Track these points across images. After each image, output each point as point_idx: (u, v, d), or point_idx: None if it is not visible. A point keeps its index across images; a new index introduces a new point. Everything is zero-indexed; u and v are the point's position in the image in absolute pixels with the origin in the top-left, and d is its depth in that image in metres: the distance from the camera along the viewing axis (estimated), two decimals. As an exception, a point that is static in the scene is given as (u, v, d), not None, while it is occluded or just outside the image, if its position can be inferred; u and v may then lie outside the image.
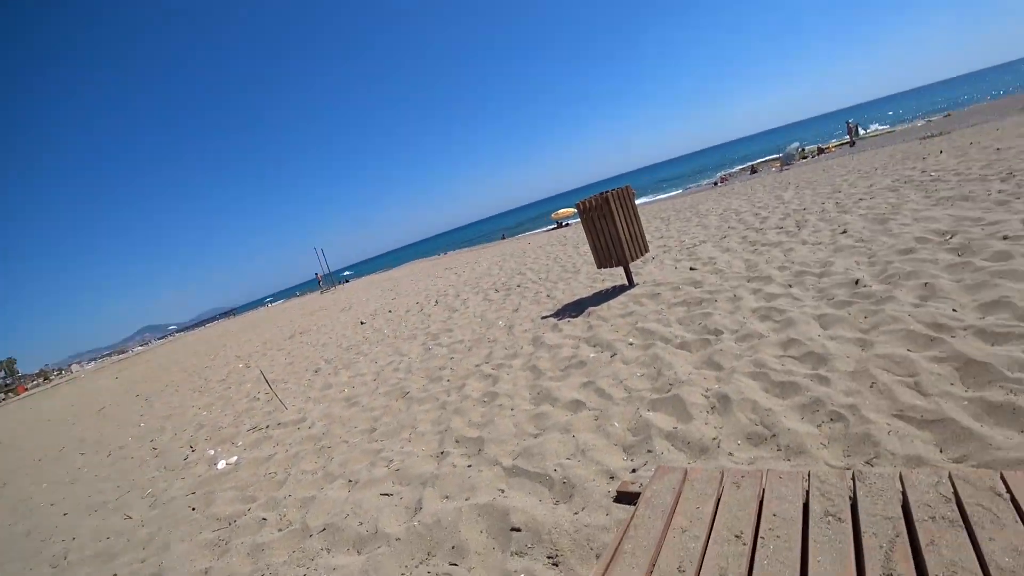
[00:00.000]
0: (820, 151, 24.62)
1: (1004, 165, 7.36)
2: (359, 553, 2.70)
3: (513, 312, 7.65)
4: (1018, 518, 1.46)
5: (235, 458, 4.94)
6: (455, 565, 2.35)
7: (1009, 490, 1.56)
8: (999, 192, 5.92)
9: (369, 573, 2.44)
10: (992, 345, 2.72)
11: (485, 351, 5.94)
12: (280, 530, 3.19)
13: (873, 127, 32.68)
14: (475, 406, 4.31)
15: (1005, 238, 4.28)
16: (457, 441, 3.71)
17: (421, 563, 2.44)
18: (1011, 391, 2.28)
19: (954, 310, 3.27)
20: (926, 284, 3.80)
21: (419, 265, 33.56)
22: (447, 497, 2.94)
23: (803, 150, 25.92)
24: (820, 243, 6.09)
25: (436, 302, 11.26)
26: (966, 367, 2.58)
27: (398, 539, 2.63)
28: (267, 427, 5.64)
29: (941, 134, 15.75)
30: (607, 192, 6.39)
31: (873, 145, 20.35)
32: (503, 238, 37.91)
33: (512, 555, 2.29)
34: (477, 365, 5.47)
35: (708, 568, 1.56)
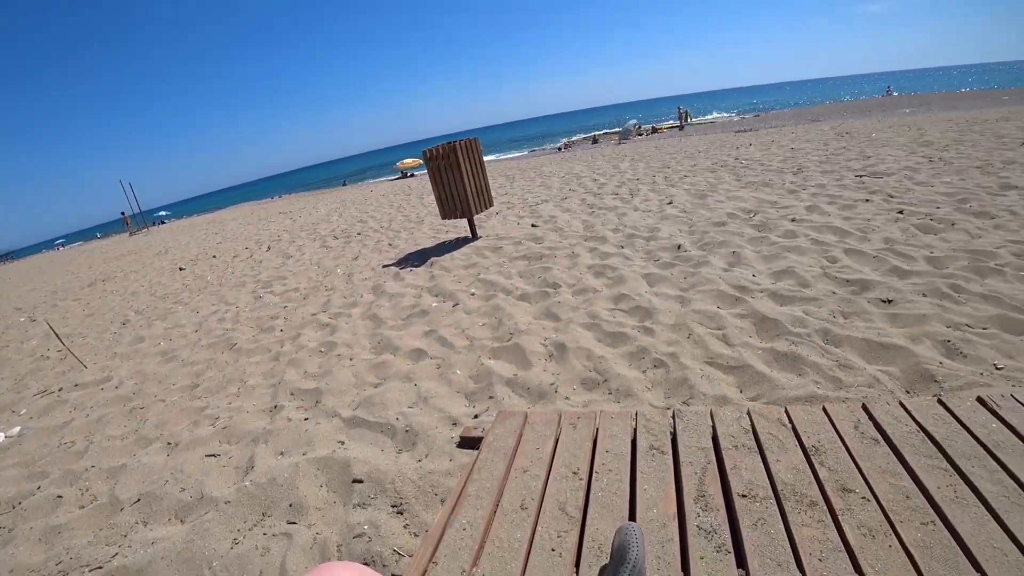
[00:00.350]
0: (654, 130, 26.90)
1: (796, 161, 8.69)
2: (182, 522, 2.35)
3: (353, 260, 7.26)
4: (797, 443, 1.70)
5: (17, 429, 3.94)
6: (293, 523, 2.16)
7: (791, 421, 1.81)
8: (791, 183, 6.97)
9: (195, 542, 2.12)
10: (781, 305, 3.18)
11: (322, 299, 5.56)
12: (82, 507, 2.65)
13: (698, 118, 36.54)
14: (311, 356, 4.02)
15: (793, 220, 5.05)
16: (292, 394, 3.41)
17: (255, 525, 2.20)
18: (793, 342, 2.68)
19: (754, 275, 3.78)
20: (734, 252, 4.33)
21: (250, 208, 29.94)
22: (282, 453, 2.68)
23: (639, 128, 28.04)
24: (650, 211, 6.66)
25: (268, 248, 10.30)
26: (761, 323, 2.98)
27: (227, 502, 2.34)
28: (60, 390, 4.63)
29: (751, 130, 18.16)
30: (455, 142, 6.25)
31: (698, 131, 22.81)
32: (344, 184, 35.59)
33: (355, 507, 2.17)
34: (313, 314, 5.11)
35: (548, 503, 1.59)
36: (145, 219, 35.06)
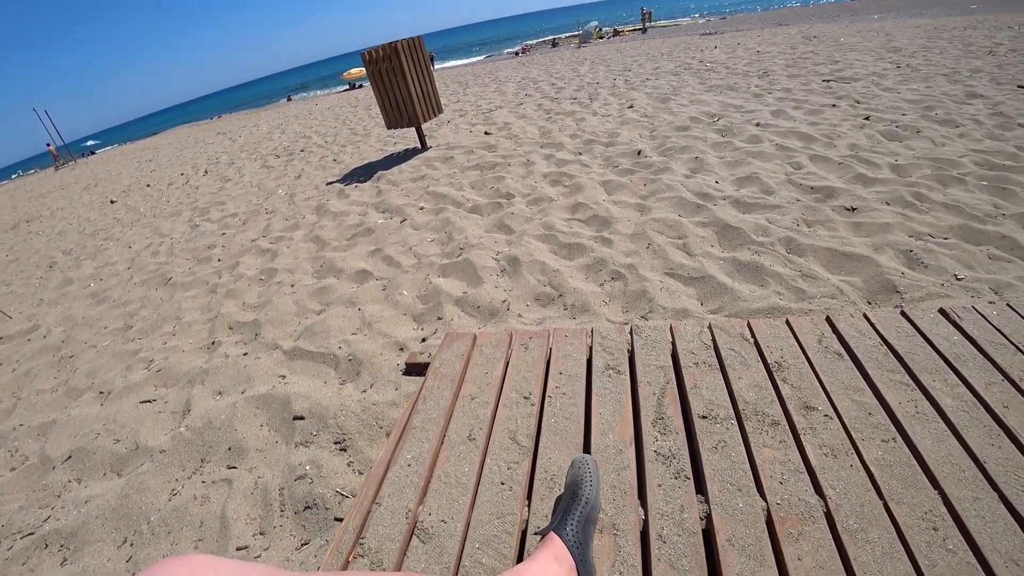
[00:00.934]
0: (616, 33, 25.60)
1: (762, 65, 8.35)
2: (118, 475, 2.19)
3: (295, 179, 6.82)
4: (759, 358, 1.62)
5: None
6: (234, 468, 2.02)
7: (753, 335, 1.72)
8: (756, 86, 6.71)
9: (131, 496, 1.97)
10: (744, 213, 3.07)
11: (262, 224, 5.21)
12: (12, 469, 2.43)
13: (662, 20, 34.86)
14: (251, 286, 3.75)
15: (758, 125, 4.86)
16: (230, 328, 3.18)
17: (194, 473, 2.05)
18: (756, 252, 2.58)
19: (716, 182, 3.63)
20: (696, 158, 4.15)
21: (187, 131, 27.61)
22: (220, 393, 2.50)
23: (600, 30, 26.68)
24: (609, 115, 6.35)
25: (206, 172, 9.58)
26: (723, 231, 2.87)
27: (163, 451, 2.17)
28: None
29: (717, 33, 17.41)
30: (397, 42, 5.65)
31: (661, 34, 21.79)
32: (288, 100, 32.99)
33: (297, 446, 2.04)
34: (253, 240, 4.77)
35: (498, 432, 1.48)
36: (71, 151, 31.85)
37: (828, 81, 6.39)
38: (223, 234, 5.28)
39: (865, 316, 1.73)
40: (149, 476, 2.07)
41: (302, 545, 1.64)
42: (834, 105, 5.14)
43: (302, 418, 2.14)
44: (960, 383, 1.41)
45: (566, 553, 0.96)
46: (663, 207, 3.33)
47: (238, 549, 1.67)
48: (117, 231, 7.04)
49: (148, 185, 10.32)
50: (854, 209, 2.81)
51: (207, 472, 2.05)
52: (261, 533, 1.71)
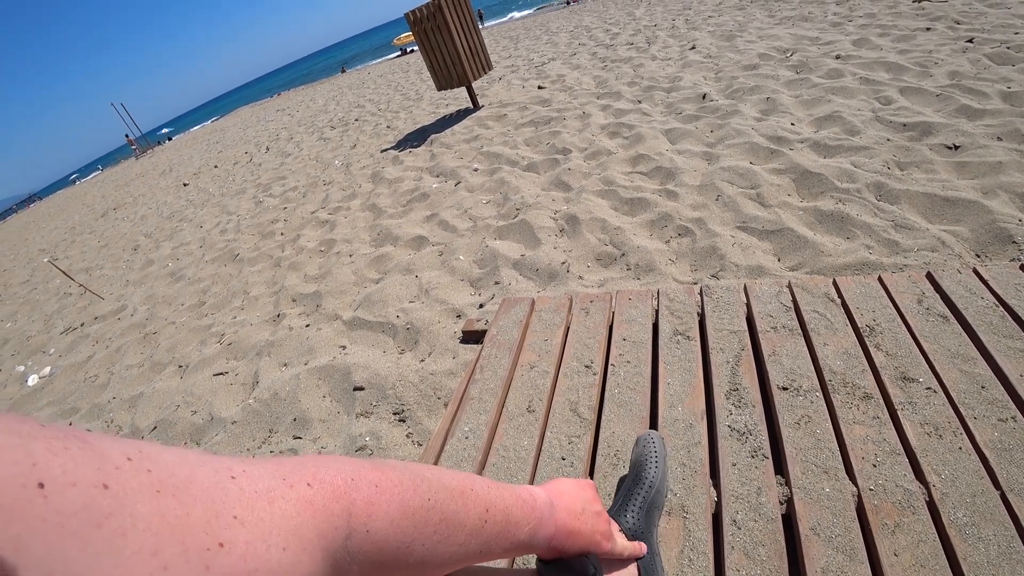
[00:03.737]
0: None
1: (840, -15, 7.50)
2: (197, 444, 2.35)
3: (351, 149, 6.95)
4: (847, 322, 1.46)
5: (48, 369, 4.05)
6: (299, 438, 2.09)
7: (840, 295, 1.55)
8: (834, 15, 6.04)
9: None
10: (825, 157, 2.78)
11: (321, 195, 5.37)
12: None
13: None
14: (311, 258, 3.88)
15: (838, 57, 4.37)
16: (293, 300, 3.30)
17: (263, 443, 2.15)
18: (840, 200, 2.33)
19: (792, 124, 3.30)
20: (768, 99, 3.79)
21: (248, 111, 28.80)
22: (285, 365, 2.60)
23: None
24: (670, 59, 5.93)
25: (267, 149, 10.00)
26: (802, 178, 2.61)
27: (235, 422, 2.29)
28: (82, 325, 4.68)
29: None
30: None
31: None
32: (343, 71, 33.08)
33: (357, 417, 2.08)
34: (313, 212, 4.92)
35: (558, 403, 1.41)
36: (148, 140, 34.05)
37: (920, 0, 5.64)
38: (285, 208, 5.49)
39: (975, 271, 1.51)
40: (223, 446, 2.19)
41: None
42: (928, 28, 4.54)
43: (362, 388, 2.17)
44: (1099, 350, 1.21)
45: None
46: (733, 154, 3.07)
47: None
48: (190, 212, 7.53)
49: (216, 166, 10.93)
50: (957, 147, 2.47)
51: (274, 442, 2.13)
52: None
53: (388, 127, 7.46)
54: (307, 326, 2.90)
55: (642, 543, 0.90)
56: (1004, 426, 1.10)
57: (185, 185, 10.30)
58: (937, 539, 0.94)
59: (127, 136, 31.83)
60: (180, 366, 3.09)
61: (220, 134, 19.87)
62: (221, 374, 2.78)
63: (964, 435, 1.10)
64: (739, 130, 3.33)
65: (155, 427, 2.54)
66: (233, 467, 0.39)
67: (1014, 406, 1.14)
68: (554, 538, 0.68)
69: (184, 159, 16.02)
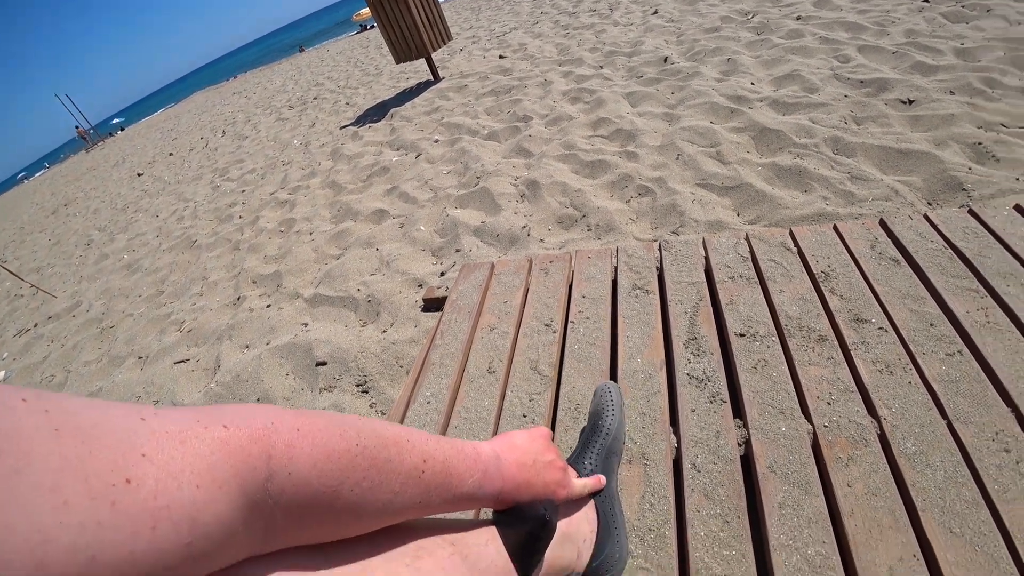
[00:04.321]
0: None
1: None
2: None
3: (310, 128, 6.80)
4: (803, 269, 1.47)
5: (1, 374, 3.87)
6: None
7: (796, 244, 1.56)
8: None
9: None
10: (784, 114, 2.79)
11: (279, 176, 5.24)
12: None
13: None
14: (271, 239, 3.79)
15: (798, 18, 4.37)
16: (254, 282, 3.22)
17: None
18: (798, 155, 2.35)
19: (752, 83, 3.30)
20: (729, 60, 3.78)
21: (204, 96, 27.65)
22: (247, 347, 2.53)
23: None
24: (632, 24, 5.88)
25: (223, 133, 9.73)
26: (761, 135, 2.62)
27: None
28: (35, 326, 4.49)
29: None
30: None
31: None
32: (301, 50, 31.78)
33: (321, 392, 2.04)
34: (272, 193, 4.81)
35: (519, 363, 1.39)
36: (99, 132, 32.23)
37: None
38: (243, 191, 5.34)
39: (926, 217, 1.54)
40: None
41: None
42: (887, -12, 4.57)
43: (325, 363, 2.13)
44: (1040, 287, 1.24)
45: None
46: (693, 114, 3.06)
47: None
48: (145, 202, 7.30)
49: (171, 154, 10.58)
50: (911, 102, 2.50)
51: None
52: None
53: (347, 104, 7.30)
54: (268, 307, 2.85)
55: (600, 475, 0.89)
56: (951, 360, 1.12)
57: (139, 175, 9.98)
58: (888, 469, 0.96)
59: (77, 128, 30.21)
60: (140, 357, 3.00)
61: (174, 121, 19.18)
62: (182, 361, 2.70)
63: (913, 370, 1.12)
64: (700, 91, 3.32)
65: (115, 421, 2.44)
66: (144, 410, 0.37)
67: (960, 341, 1.16)
68: (503, 491, 0.66)
69: (137, 149, 15.47)
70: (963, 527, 0.85)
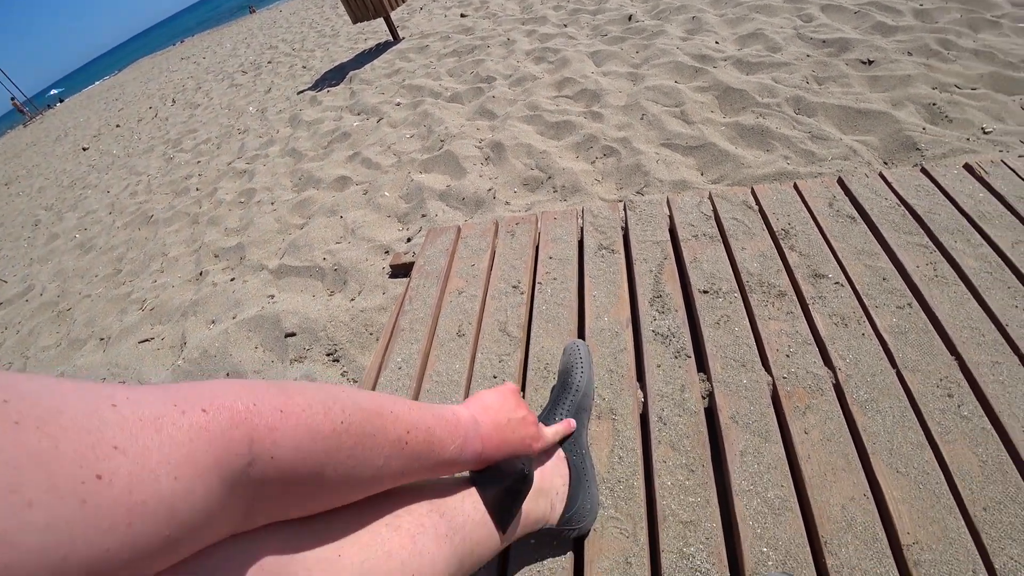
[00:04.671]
0: None
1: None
2: None
3: (266, 94, 6.49)
4: (764, 227, 1.50)
5: None
6: None
7: (758, 202, 1.59)
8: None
9: None
10: (747, 74, 2.79)
11: (236, 145, 5.01)
12: None
13: None
14: (231, 210, 3.65)
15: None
16: (216, 255, 3.11)
17: None
18: (761, 114, 2.37)
19: (716, 42, 3.29)
20: (693, 18, 3.75)
21: (149, 62, 25.76)
22: (213, 322, 2.46)
23: None
24: (598, -20, 5.74)
25: (173, 101, 9.18)
26: (725, 95, 2.62)
27: None
28: None
29: None
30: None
31: None
32: (251, 11, 29.78)
33: (291, 363, 2.01)
34: (229, 163, 4.60)
35: (488, 325, 1.39)
36: (36, 104, 29.52)
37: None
38: (198, 162, 5.11)
39: (881, 175, 1.58)
40: None
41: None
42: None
43: (294, 334, 2.09)
44: (984, 243, 1.29)
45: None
46: (658, 74, 3.04)
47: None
48: (94, 178, 6.89)
49: (117, 126, 9.95)
50: (871, 62, 2.54)
51: None
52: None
53: (304, 67, 6.99)
54: (232, 280, 2.76)
55: (569, 419, 0.91)
56: (902, 312, 1.17)
57: (85, 149, 9.37)
58: (842, 416, 1.00)
59: (12, 100, 27.96)
60: (101, 339, 2.88)
61: (119, 90, 17.91)
62: (147, 340, 2.61)
63: (867, 322, 1.17)
64: (664, 50, 3.29)
65: (80, 405, 2.36)
66: (115, 395, 0.34)
67: (911, 294, 1.21)
68: (483, 452, 0.67)
69: (80, 121, 14.43)
70: (908, 467, 0.91)
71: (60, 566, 0.28)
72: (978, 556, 0.80)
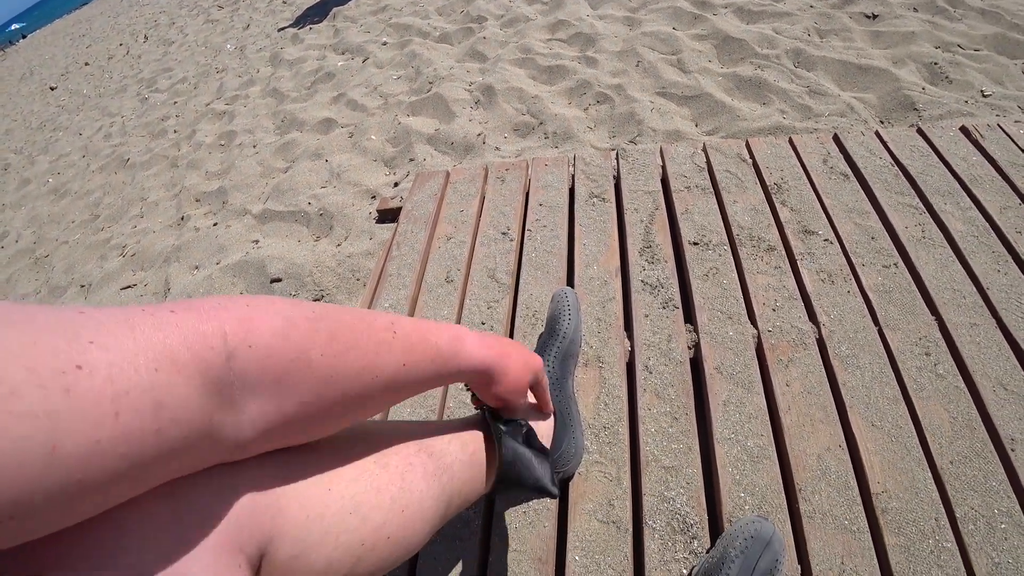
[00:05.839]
0: None
1: None
2: None
3: (244, 30, 6.12)
4: (757, 180, 1.48)
5: None
6: None
7: (752, 156, 1.57)
8: None
9: None
10: (748, 23, 2.71)
11: (215, 85, 4.75)
12: None
13: None
14: (211, 153, 3.50)
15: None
16: (197, 200, 3.00)
17: None
18: (759, 66, 2.31)
19: (717, -11, 3.17)
20: (695, -39, 3.60)
21: None
22: (196, 268, 2.39)
23: None
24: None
25: (146, 38, 8.59)
26: (723, 44, 2.55)
27: None
28: None
29: None
30: None
31: None
32: None
33: None
34: (208, 104, 4.38)
35: (476, 271, 1.37)
36: None
37: None
38: (175, 103, 4.85)
39: (877, 134, 1.57)
40: None
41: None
42: None
43: (279, 280, 2.05)
44: (973, 206, 1.30)
45: None
46: (655, 19, 2.93)
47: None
48: (64, 119, 6.49)
49: (87, 63, 9.28)
50: (875, 16, 2.47)
51: None
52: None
53: (284, 2, 6.56)
54: (215, 225, 2.68)
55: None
56: (887, 271, 1.18)
57: (52, 89, 8.77)
58: (823, 369, 1.02)
59: None
60: (82, 286, 2.80)
61: (86, 25, 16.62)
62: (129, 287, 2.55)
63: (853, 280, 1.18)
64: (663, -7, 3.17)
65: (66, 357, 2.32)
66: (83, 307, 0.34)
67: (897, 254, 1.22)
68: (486, 358, 0.62)
69: (46, 59, 13.42)
70: (883, 420, 0.94)
71: (50, 458, 0.27)
72: (941, 506, 0.83)
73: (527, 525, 0.89)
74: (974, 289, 1.13)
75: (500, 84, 2.73)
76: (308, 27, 5.12)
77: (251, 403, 0.40)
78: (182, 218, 2.93)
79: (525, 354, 0.72)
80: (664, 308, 1.18)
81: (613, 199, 1.50)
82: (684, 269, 1.26)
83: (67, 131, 5.96)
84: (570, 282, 1.29)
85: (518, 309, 1.25)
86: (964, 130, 1.53)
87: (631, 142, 2.08)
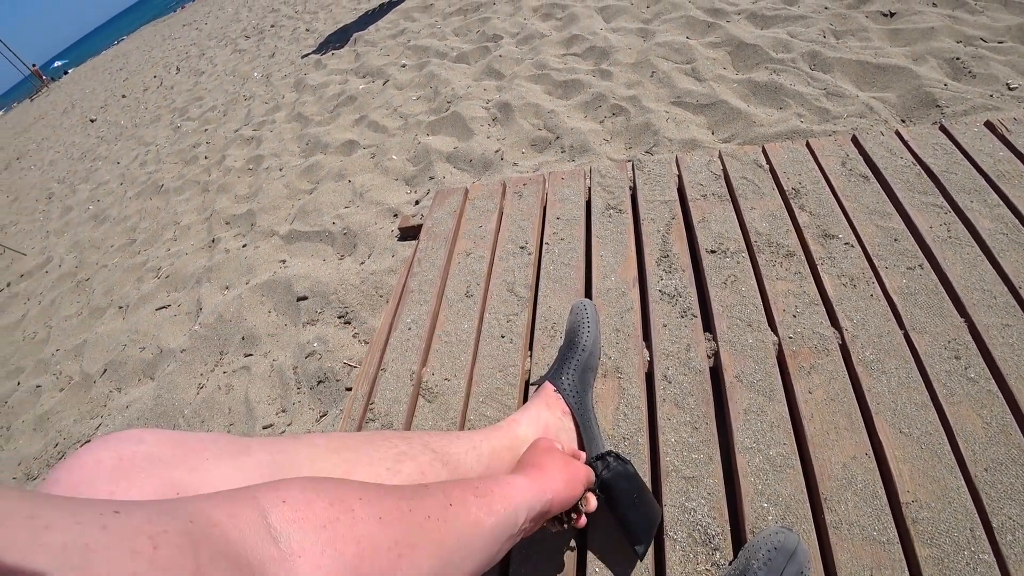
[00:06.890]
0: None
1: None
2: (151, 379, 2.29)
3: (270, 58, 6.39)
4: (774, 186, 1.47)
5: None
6: (250, 355, 2.06)
7: (769, 161, 1.55)
8: None
9: (163, 396, 2.06)
10: (762, 28, 2.70)
11: (242, 112, 4.97)
12: (61, 390, 2.59)
13: None
14: (240, 177, 3.66)
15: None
16: (227, 222, 3.14)
17: (215, 366, 2.11)
18: (774, 71, 2.30)
19: (730, -5, 3.17)
20: (707, -31, 3.60)
21: (151, 30, 24.98)
22: (227, 288, 2.51)
23: None
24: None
25: (178, 69, 9.02)
26: (738, 50, 2.54)
27: (184, 351, 2.22)
28: (8, 285, 4.33)
29: None
30: None
31: None
32: None
33: (304, 326, 2.05)
34: (236, 130, 4.57)
35: (495, 285, 1.40)
36: (43, 75, 29.01)
37: None
38: (205, 130, 5.09)
39: (897, 134, 1.54)
40: (176, 375, 2.13)
41: (321, 417, 1.68)
42: None
43: (305, 298, 2.13)
44: (1001, 203, 1.26)
45: (558, 400, 0.91)
46: (669, 29, 2.94)
47: (264, 428, 1.74)
48: (103, 149, 6.87)
49: (123, 96, 9.80)
50: (892, 14, 2.44)
51: (226, 363, 2.10)
52: (283, 411, 1.78)
53: (307, 30, 6.83)
54: (244, 246, 2.80)
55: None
56: (912, 273, 1.16)
57: (92, 121, 9.27)
58: (847, 376, 1.00)
59: (33, 65, 27.46)
60: (120, 307, 2.96)
61: (123, 60, 17.55)
62: (164, 307, 2.69)
63: (876, 283, 1.16)
64: (676, 3, 3.18)
65: (104, 370, 2.46)
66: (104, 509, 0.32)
67: (922, 255, 1.20)
68: (556, 493, 0.63)
69: (86, 92, 14.25)
70: (912, 427, 0.91)
71: None
72: (976, 515, 0.80)
73: (546, 536, 0.90)
74: (1005, 288, 1.09)
75: (517, 100, 2.78)
76: (330, 53, 5.30)
77: None
78: (213, 240, 3.06)
79: (570, 470, 0.71)
80: (682, 317, 1.17)
81: (630, 210, 1.50)
82: (702, 278, 1.26)
83: (106, 160, 6.30)
84: (588, 294, 1.30)
85: (537, 322, 1.26)
86: (989, 125, 1.49)
87: (647, 152, 2.09)
